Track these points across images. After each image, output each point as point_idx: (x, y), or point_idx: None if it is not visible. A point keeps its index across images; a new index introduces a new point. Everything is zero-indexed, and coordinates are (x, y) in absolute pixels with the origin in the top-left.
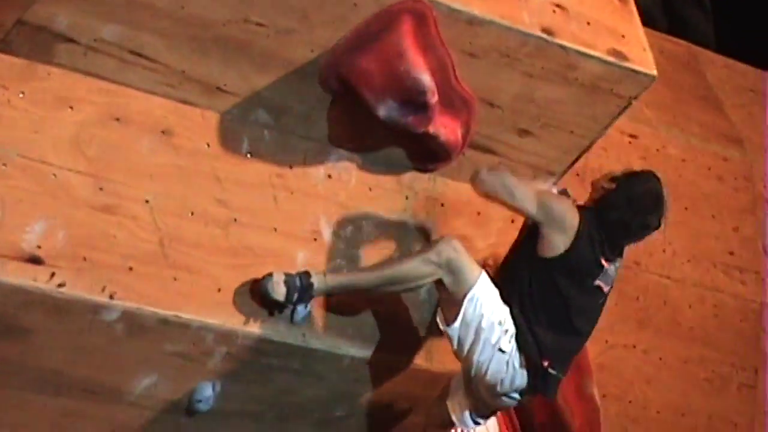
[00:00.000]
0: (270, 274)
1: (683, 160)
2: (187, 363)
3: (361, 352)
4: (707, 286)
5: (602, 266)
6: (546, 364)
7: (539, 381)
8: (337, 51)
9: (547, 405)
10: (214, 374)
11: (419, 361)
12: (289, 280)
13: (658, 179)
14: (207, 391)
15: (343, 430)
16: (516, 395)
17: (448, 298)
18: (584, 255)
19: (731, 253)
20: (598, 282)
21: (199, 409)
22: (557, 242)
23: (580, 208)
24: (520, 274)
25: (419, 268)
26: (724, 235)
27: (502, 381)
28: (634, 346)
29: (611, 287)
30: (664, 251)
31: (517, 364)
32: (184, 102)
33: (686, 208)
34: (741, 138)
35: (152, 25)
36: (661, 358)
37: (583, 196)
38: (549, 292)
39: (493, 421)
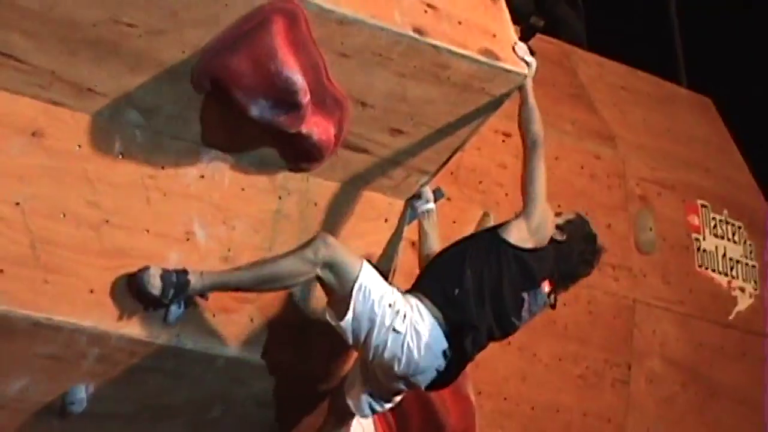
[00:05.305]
0: (147, 267)
1: (556, 158)
2: (60, 365)
3: (236, 352)
4: (581, 284)
5: (538, 284)
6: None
7: (459, 345)
8: (209, 51)
9: (424, 405)
10: (88, 376)
11: (295, 361)
12: (165, 275)
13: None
14: (80, 393)
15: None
16: (412, 381)
17: (334, 294)
18: (531, 263)
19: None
20: (524, 295)
21: (72, 411)
22: (522, 237)
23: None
24: (477, 246)
25: (295, 266)
26: (598, 233)
27: (399, 360)
28: (509, 343)
29: (530, 315)
30: None
31: (413, 344)
32: (55, 103)
33: (559, 206)
34: (613, 136)
35: (21, 26)
36: (535, 355)
37: (456, 195)
38: (488, 263)
39: (369, 422)
